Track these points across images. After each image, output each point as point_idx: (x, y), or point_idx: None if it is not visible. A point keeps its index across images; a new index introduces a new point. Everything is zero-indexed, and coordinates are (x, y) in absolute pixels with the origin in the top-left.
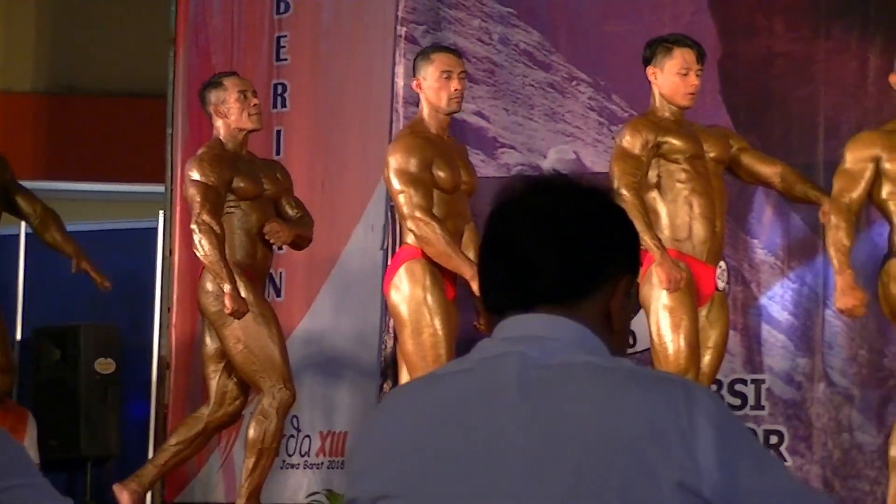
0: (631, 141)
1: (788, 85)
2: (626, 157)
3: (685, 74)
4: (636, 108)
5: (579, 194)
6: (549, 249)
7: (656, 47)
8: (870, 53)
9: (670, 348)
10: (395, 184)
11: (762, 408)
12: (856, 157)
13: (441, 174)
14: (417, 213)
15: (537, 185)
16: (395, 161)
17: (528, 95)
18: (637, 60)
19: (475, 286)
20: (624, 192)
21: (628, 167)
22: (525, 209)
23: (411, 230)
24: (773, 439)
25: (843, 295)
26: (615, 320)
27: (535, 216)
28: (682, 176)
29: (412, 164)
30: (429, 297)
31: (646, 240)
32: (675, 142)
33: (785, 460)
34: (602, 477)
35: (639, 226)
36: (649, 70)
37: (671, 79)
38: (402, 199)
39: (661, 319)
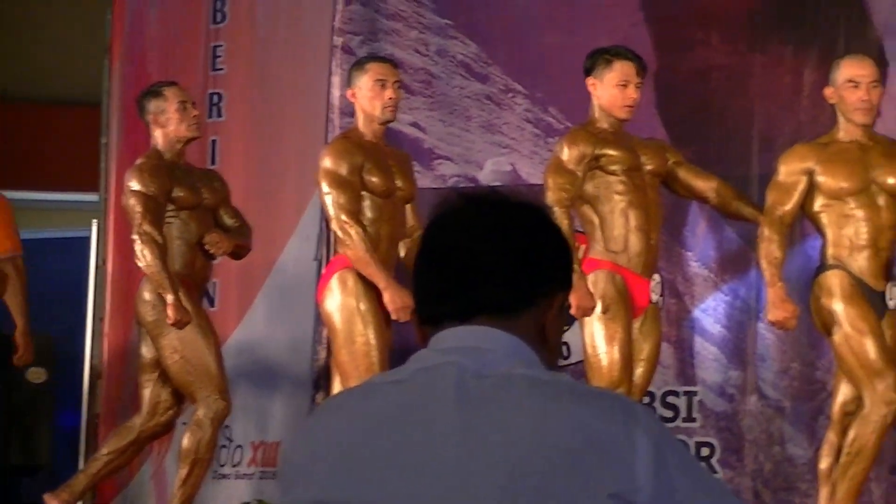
0: (568, 154)
1: (724, 98)
2: (560, 171)
3: (624, 87)
4: (572, 120)
5: (519, 208)
6: (492, 261)
7: (597, 58)
8: (805, 68)
9: (604, 360)
10: (324, 186)
11: (694, 420)
12: (789, 169)
13: (373, 179)
14: (342, 216)
15: (477, 198)
16: (325, 164)
17: (464, 107)
18: (573, 73)
19: (386, 297)
20: (555, 208)
21: (562, 182)
22: (466, 221)
23: (335, 231)
24: (705, 451)
25: (774, 308)
26: (550, 334)
27: (476, 228)
28: (620, 188)
29: (342, 168)
30: (361, 306)
31: None
32: (613, 154)
33: (716, 472)
34: (538, 487)
35: None
36: (589, 81)
37: (610, 91)
38: (328, 201)
39: (596, 331)
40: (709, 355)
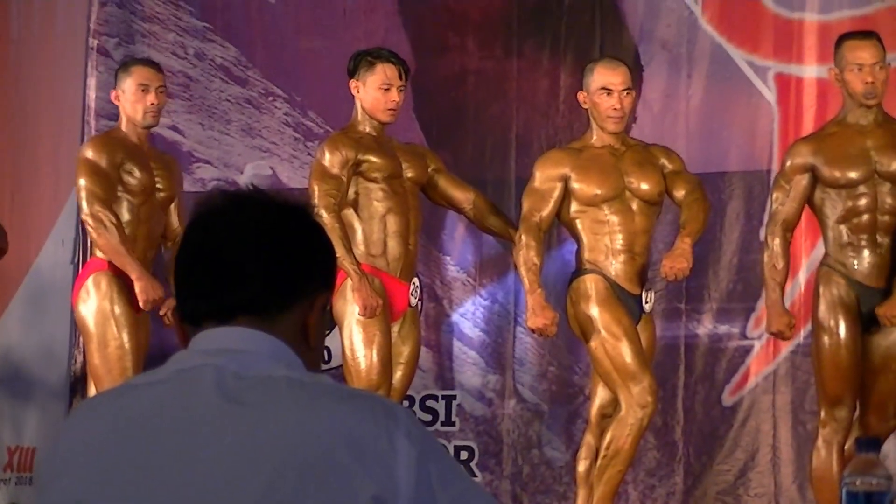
0: (330, 159)
1: (481, 102)
2: (325, 176)
3: (387, 90)
4: (332, 124)
5: (281, 208)
6: (252, 261)
7: (360, 61)
8: (561, 72)
9: (363, 363)
10: (80, 179)
11: (453, 423)
12: (544, 175)
13: (132, 178)
14: (96, 205)
15: (239, 198)
16: (85, 155)
17: (224, 110)
18: (332, 76)
19: (138, 287)
20: (323, 213)
21: (328, 187)
22: (226, 220)
23: (86, 222)
24: (464, 455)
25: (534, 315)
26: (312, 336)
27: (237, 228)
28: (380, 195)
29: (101, 160)
30: (116, 310)
31: (345, 265)
32: (375, 161)
33: (475, 476)
34: (297, 490)
35: (338, 249)
36: (352, 83)
37: (372, 93)
38: (83, 193)
39: (355, 335)
40: (468, 359)
